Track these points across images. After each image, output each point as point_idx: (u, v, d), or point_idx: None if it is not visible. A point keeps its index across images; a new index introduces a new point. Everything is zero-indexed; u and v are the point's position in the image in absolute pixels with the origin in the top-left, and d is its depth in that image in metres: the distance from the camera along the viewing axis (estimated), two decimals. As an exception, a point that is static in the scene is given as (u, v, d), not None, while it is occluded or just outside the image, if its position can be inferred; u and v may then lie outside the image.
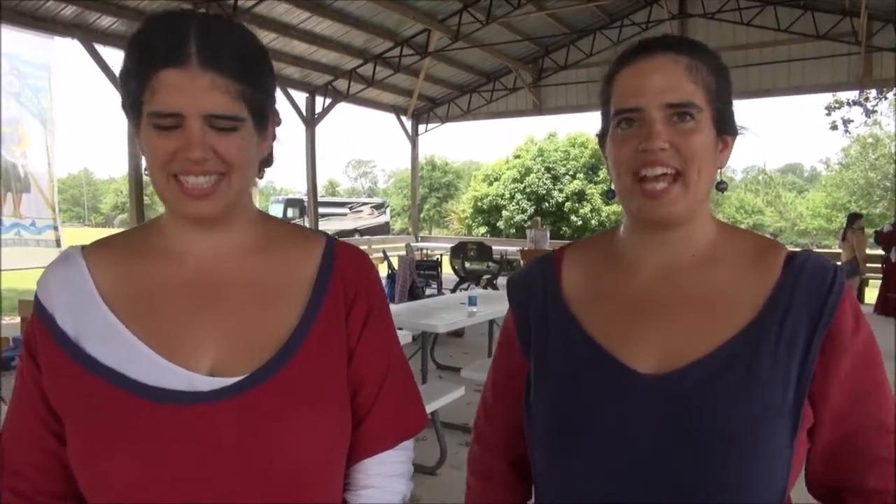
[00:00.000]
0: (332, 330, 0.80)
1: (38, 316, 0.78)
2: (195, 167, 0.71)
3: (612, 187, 0.82)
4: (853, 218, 9.72)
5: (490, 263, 10.63)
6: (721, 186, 0.81)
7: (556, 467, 0.80)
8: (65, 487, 0.76)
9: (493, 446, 0.95)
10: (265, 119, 0.78)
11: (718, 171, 0.80)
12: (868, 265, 10.03)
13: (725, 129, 0.78)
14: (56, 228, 9.21)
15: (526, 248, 11.59)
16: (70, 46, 8.27)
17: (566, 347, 0.82)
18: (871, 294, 9.82)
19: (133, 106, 0.73)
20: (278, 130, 0.85)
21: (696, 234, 0.80)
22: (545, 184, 23.40)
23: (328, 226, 21.09)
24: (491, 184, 24.98)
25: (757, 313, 0.75)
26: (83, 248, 0.81)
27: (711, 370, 0.73)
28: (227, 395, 0.73)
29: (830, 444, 0.76)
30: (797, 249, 0.80)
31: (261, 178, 0.87)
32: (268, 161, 0.85)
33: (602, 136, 0.83)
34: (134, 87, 0.71)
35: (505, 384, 0.92)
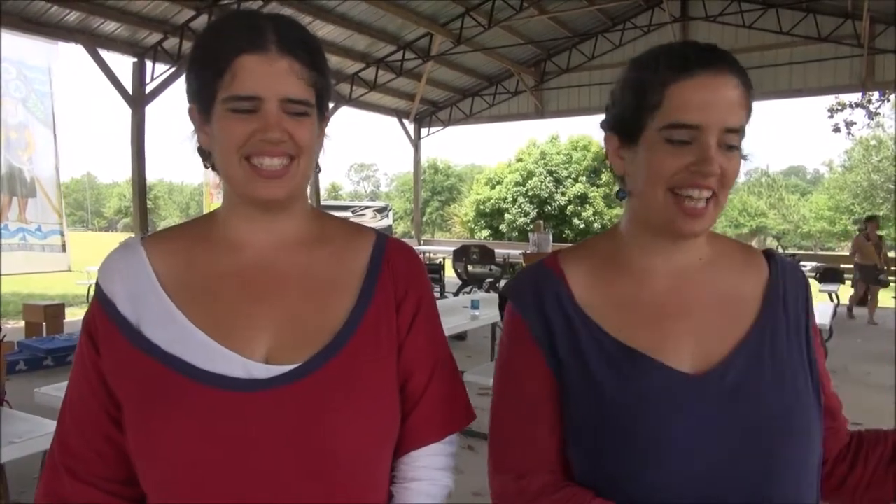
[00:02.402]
0: (382, 321, 0.81)
1: (99, 302, 0.80)
2: (272, 148, 0.74)
3: (623, 188, 0.82)
4: (865, 221, 9.48)
5: (493, 267, 10.63)
6: None
7: (631, 478, 0.76)
8: (119, 472, 0.78)
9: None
10: (325, 112, 0.82)
11: None
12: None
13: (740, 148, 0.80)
14: (62, 234, 9.24)
15: (528, 252, 11.59)
16: (74, 51, 8.33)
17: (602, 358, 0.79)
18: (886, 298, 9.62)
19: (204, 94, 0.76)
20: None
21: (702, 240, 0.84)
22: (547, 187, 23.40)
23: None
24: (493, 187, 25.00)
25: (762, 305, 0.82)
26: (143, 237, 0.85)
27: (744, 362, 0.78)
28: (282, 382, 0.74)
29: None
30: (760, 246, 0.91)
31: (317, 172, 0.90)
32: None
33: (622, 133, 0.79)
34: (208, 75, 0.74)
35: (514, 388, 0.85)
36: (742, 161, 0.79)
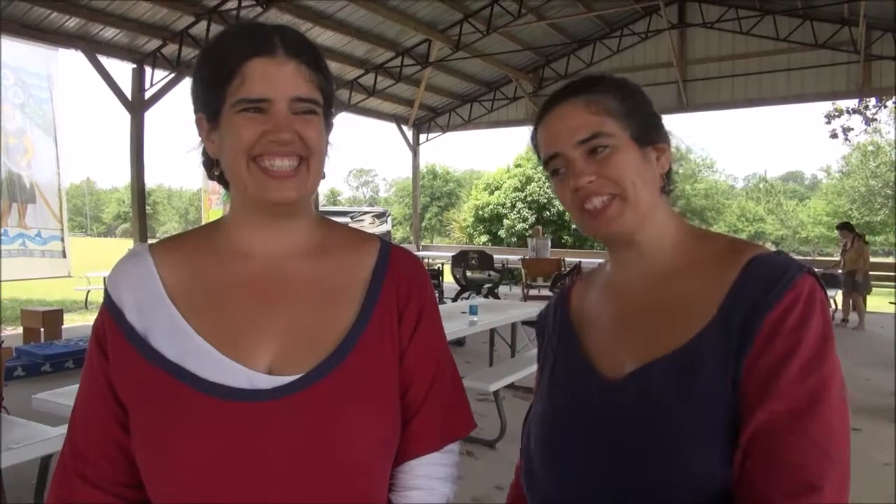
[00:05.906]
0: (384, 330, 0.82)
1: (107, 310, 0.81)
2: (281, 149, 0.75)
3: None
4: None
5: (491, 272, 10.64)
6: (665, 189, 0.85)
7: (538, 473, 0.84)
8: (129, 477, 0.79)
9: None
10: (330, 117, 0.83)
11: (662, 175, 0.84)
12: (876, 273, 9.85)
13: (650, 139, 0.83)
14: (62, 239, 9.23)
15: (527, 257, 11.59)
16: (73, 58, 8.35)
17: (564, 363, 0.88)
18: (874, 302, 9.72)
19: (213, 100, 0.77)
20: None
21: (659, 243, 0.84)
22: (546, 192, 23.42)
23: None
24: (492, 193, 25.04)
25: (711, 317, 0.74)
26: (151, 245, 0.85)
27: (656, 375, 0.76)
28: (285, 393, 0.75)
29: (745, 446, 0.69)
30: (773, 251, 0.79)
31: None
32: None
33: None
34: (217, 81, 0.76)
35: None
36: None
